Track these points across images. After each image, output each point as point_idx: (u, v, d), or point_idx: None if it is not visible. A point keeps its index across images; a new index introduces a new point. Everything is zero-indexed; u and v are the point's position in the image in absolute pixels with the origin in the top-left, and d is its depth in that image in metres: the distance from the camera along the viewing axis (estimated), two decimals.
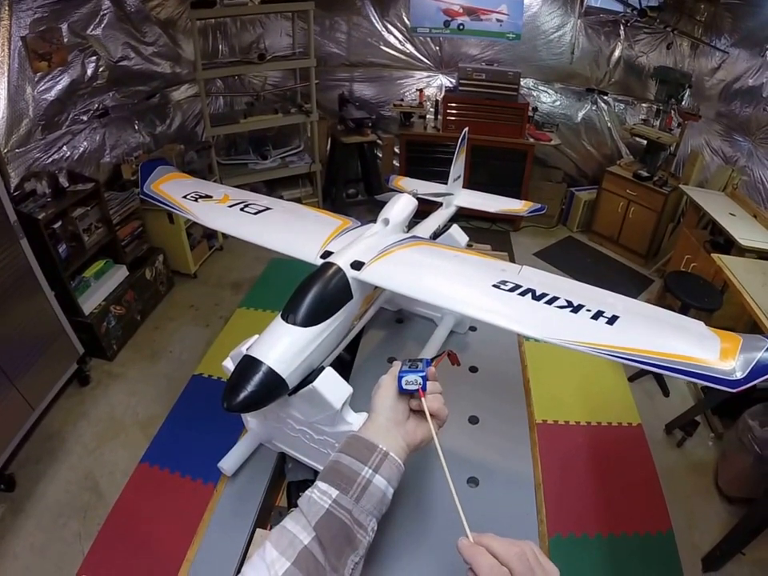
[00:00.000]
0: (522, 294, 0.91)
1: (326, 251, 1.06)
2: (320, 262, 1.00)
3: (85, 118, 3.34)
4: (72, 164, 3.23)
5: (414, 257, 1.06)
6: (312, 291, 0.91)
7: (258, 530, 1.06)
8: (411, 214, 1.19)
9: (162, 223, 3.63)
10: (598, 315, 0.86)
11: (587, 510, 2.36)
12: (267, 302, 3.35)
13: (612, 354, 0.79)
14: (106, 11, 3.30)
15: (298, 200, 4.53)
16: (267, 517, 1.13)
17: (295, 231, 1.18)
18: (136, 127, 3.84)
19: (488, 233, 4.55)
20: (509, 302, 0.91)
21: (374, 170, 4.69)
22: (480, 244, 2.05)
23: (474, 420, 1.25)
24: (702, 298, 2.84)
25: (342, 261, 0.98)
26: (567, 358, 2.94)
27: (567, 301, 0.89)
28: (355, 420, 0.92)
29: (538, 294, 0.91)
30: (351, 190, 4.85)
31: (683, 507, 2.42)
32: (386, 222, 1.14)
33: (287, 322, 0.88)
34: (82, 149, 3.33)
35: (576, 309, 0.87)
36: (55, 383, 2.79)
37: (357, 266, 0.98)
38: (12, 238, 2.43)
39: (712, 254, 2.91)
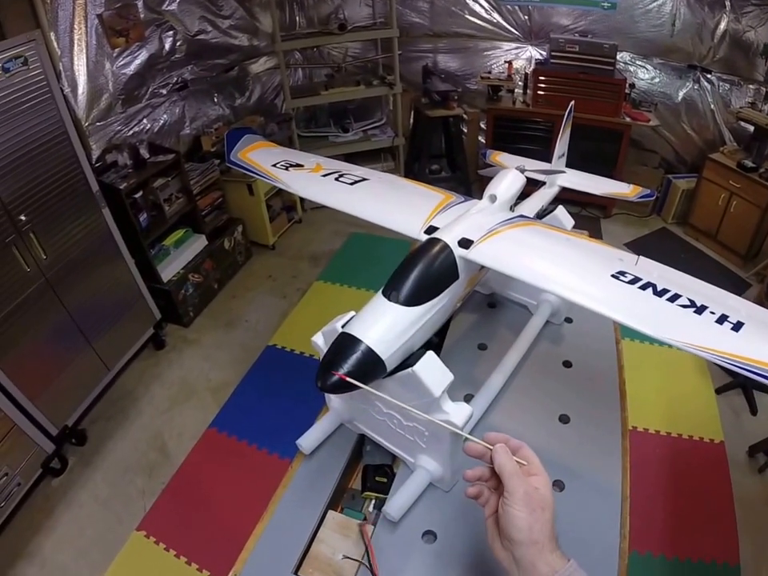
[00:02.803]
0: (643, 287, 0.83)
1: (430, 226, 0.98)
2: (424, 237, 0.93)
3: (164, 91, 3.41)
4: (152, 136, 3.31)
5: (525, 238, 0.97)
6: (417, 268, 0.85)
7: (330, 511, 1.04)
8: (519, 192, 1.10)
9: (241, 194, 3.67)
10: (722, 319, 0.77)
11: (655, 526, 2.21)
12: (345, 277, 3.34)
13: (737, 364, 0.70)
14: None
15: None
16: (339, 498, 1.11)
17: (395, 203, 1.12)
18: (215, 99, 3.89)
19: (577, 218, 4.19)
20: (629, 295, 0.82)
21: (458, 145, 4.48)
22: (575, 230, 1.93)
23: (564, 419, 1.18)
24: None
25: (449, 238, 0.91)
26: (651, 360, 2.78)
27: (690, 300, 0.80)
28: (452, 410, 0.85)
29: (659, 289, 0.83)
30: (434, 166, 4.69)
31: (754, 540, 2.20)
32: (493, 198, 1.05)
33: (389, 299, 0.83)
34: (162, 121, 3.41)
35: (700, 310, 0.79)
36: (131, 346, 2.91)
37: (465, 243, 0.91)
38: (94, 206, 2.53)
39: None
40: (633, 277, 0.85)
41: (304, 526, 1.00)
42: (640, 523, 2.18)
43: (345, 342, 0.79)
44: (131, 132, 3.16)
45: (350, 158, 4.29)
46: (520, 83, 4.38)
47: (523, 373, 1.28)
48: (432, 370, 0.83)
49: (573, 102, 1.45)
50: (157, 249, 3.12)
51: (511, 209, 1.13)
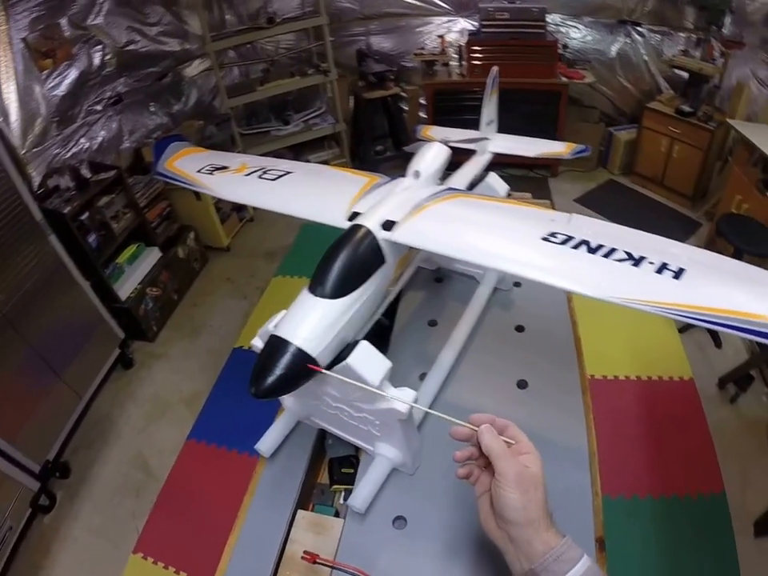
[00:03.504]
0: (576, 246, 0.80)
1: (353, 212, 0.96)
2: (347, 224, 0.91)
3: (99, 107, 3.32)
4: (92, 154, 3.23)
5: (452, 211, 0.95)
6: (340, 258, 0.82)
7: (299, 511, 1.03)
8: (444, 164, 1.08)
9: (189, 201, 3.60)
10: (662, 268, 0.74)
11: (637, 469, 2.23)
12: (302, 269, 3.29)
13: (683, 314, 0.68)
14: None
15: (326, 162, 4.45)
16: (309, 495, 1.11)
17: (319, 194, 1.09)
18: (152, 109, 3.80)
19: (525, 180, 4.34)
20: (562, 257, 0.80)
21: (400, 123, 4.51)
22: (519, 192, 1.93)
23: (522, 384, 1.18)
24: (758, 243, 2.61)
25: (372, 222, 0.89)
26: (616, 310, 2.81)
27: (626, 252, 0.77)
28: (396, 396, 0.84)
29: (593, 245, 0.80)
30: (379, 147, 4.70)
31: (736, 467, 2.29)
32: (417, 174, 1.03)
33: (315, 294, 0.81)
34: (100, 138, 3.32)
35: (637, 261, 0.76)
36: (100, 370, 2.85)
37: (388, 225, 0.89)
38: (40, 236, 2.45)
39: None
40: (565, 237, 0.82)
41: (275, 530, 0.99)
42: (621, 469, 2.22)
43: (274, 345, 0.77)
44: (70, 153, 3.07)
45: (297, 150, 4.34)
46: (455, 56, 4.37)
47: (477, 343, 1.28)
48: (367, 360, 0.81)
49: (496, 68, 1.43)
50: (111, 268, 3.05)
51: (442, 182, 1.12)
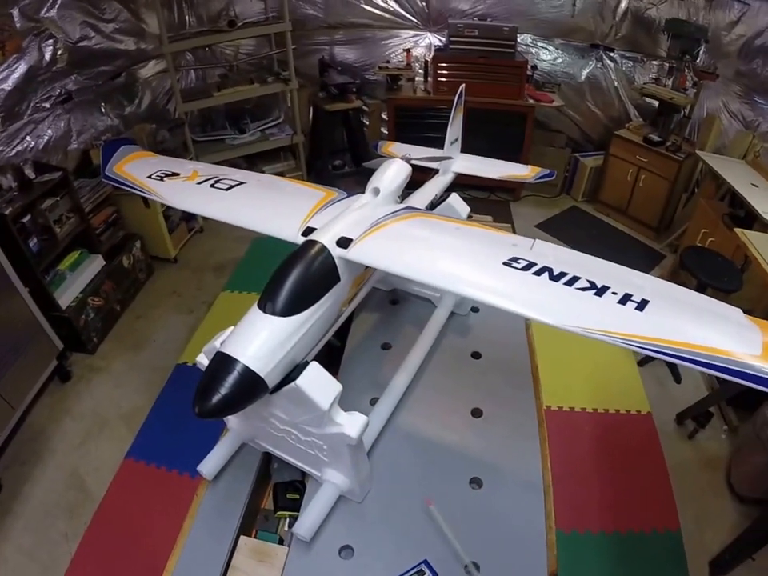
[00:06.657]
0: (538, 273, 0.79)
1: (307, 227, 0.92)
2: (301, 240, 0.87)
3: (47, 104, 3.15)
4: (38, 154, 3.06)
5: (410, 231, 0.92)
6: (293, 275, 0.79)
7: (242, 537, 0.99)
8: (405, 182, 1.05)
9: (137, 208, 3.44)
10: (625, 299, 0.74)
11: (592, 504, 2.19)
12: (252, 285, 3.19)
13: (644, 346, 0.67)
14: None
15: (281, 174, 4.34)
16: (252, 522, 1.06)
17: (272, 206, 1.05)
18: (103, 110, 3.63)
19: (486, 203, 4.32)
20: (523, 283, 0.79)
21: (360, 138, 4.44)
22: (480, 215, 1.93)
23: (477, 413, 1.17)
24: (721, 278, 2.61)
25: (327, 238, 0.85)
26: (574, 341, 2.82)
27: (590, 281, 0.77)
28: (345, 421, 0.81)
29: (555, 273, 0.79)
30: (337, 161, 4.60)
31: (693, 504, 2.28)
32: (377, 191, 1.00)
33: (265, 311, 0.77)
34: (46, 137, 3.15)
35: (600, 291, 0.75)
36: (36, 381, 2.67)
37: (344, 243, 0.85)
38: None
39: (736, 230, 2.64)
40: (527, 262, 0.81)
41: (216, 556, 0.95)
42: (576, 502, 2.19)
43: (221, 363, 0.73)
44: (14, 152, 2.90)
45: (251, 160, 4.24)
46: (420, 71, 4.34)
47: (431, 368, 1.26)
48: (317, 382, 0.78)
49: (463, 86, 1.43)
50: (51, 274, 2.87)
51: (401, 201, 1.09)
